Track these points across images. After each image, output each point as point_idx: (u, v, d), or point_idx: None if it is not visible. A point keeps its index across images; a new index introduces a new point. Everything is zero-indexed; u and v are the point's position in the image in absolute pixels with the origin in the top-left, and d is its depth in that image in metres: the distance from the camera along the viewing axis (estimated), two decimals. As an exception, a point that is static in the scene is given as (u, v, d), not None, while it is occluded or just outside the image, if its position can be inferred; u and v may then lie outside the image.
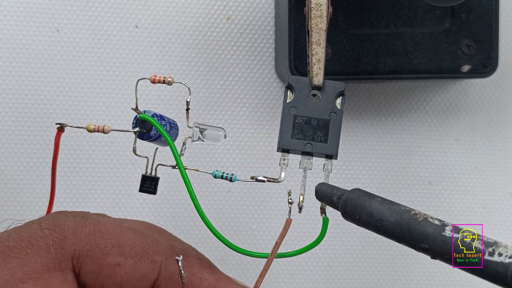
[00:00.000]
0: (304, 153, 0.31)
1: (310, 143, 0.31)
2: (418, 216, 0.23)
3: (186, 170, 0.29)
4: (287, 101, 0.31)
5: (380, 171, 0.46)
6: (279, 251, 0.30)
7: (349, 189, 0.27)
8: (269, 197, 0.45)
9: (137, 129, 0.30)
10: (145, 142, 0.30)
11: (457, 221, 0.47)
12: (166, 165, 0.30)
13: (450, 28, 0.41)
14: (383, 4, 0.40)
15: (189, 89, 0.30)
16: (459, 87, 0.46)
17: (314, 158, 0.31)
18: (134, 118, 0.30)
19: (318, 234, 0.30)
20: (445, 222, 0.22)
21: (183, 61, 0.44)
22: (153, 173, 0.31)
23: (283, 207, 0.45)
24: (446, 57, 0.41)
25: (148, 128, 0.29)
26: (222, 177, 0.30)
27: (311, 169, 0.31)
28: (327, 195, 0.28)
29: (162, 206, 0.45)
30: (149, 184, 0.30)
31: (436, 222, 0.23)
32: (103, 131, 0.29)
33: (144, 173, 0.31)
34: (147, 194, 0.31)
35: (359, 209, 0.25)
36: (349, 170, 0.46)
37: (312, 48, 0.31)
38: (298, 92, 0.31)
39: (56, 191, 0.33)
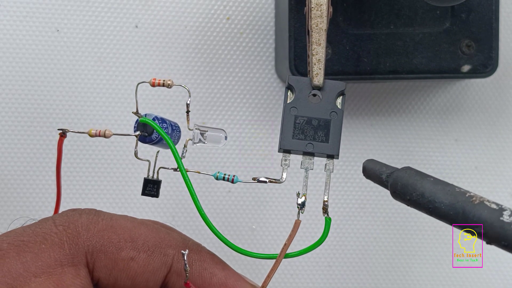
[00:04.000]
0: (305, 153, 0.31)
1: (311, 143, 0.31)
2: (474, 199, 0.22)
3: (188, 172, 0.29)
4: (288, 102, 0.31)
5: (380, 171, 0.46)
6: None
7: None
8: (270, 197, 0.45)
9: (138, 132, 0.29)
10: (146, 145, 0.30)
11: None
12: (168, 168, 0.30)
13: (450, 28, 0.41)
14: (383, 4, 0.40)
15: (188, 91, 0.30)
16: (459, 87, 0.46)
17: (315, 158, 0.31)
18: (136, 121, 0.30)
19: (320, 234, 0.30)
20: (503, 207, 0.21)
21: (183, 61, 0.44)
22: (155, 176, 0.31)
23: (283, 207, 0.45)
24: (446, 57, 0.41)
25: (149, 131, 0.29)
26: (224, 179, 0.30)
27: (312, 169, 0.31)
28: (375, 173, 0.27)
29: (163, 207, 0.45)
30: (151, 187, 0.30)
31: (493, 206, 0.22)
32: (105, 136, 0.29)
33: (146, 176, 0.31)
34: (149, 197, 0.31)
35: (410, 188, 0.24)
36: (349, 170, 0.46)
37: (312, 48, 0.31)
38: (299, 92, 0.31)
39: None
